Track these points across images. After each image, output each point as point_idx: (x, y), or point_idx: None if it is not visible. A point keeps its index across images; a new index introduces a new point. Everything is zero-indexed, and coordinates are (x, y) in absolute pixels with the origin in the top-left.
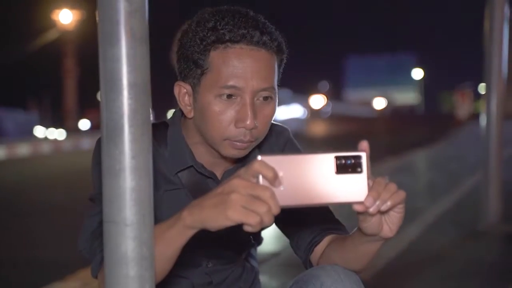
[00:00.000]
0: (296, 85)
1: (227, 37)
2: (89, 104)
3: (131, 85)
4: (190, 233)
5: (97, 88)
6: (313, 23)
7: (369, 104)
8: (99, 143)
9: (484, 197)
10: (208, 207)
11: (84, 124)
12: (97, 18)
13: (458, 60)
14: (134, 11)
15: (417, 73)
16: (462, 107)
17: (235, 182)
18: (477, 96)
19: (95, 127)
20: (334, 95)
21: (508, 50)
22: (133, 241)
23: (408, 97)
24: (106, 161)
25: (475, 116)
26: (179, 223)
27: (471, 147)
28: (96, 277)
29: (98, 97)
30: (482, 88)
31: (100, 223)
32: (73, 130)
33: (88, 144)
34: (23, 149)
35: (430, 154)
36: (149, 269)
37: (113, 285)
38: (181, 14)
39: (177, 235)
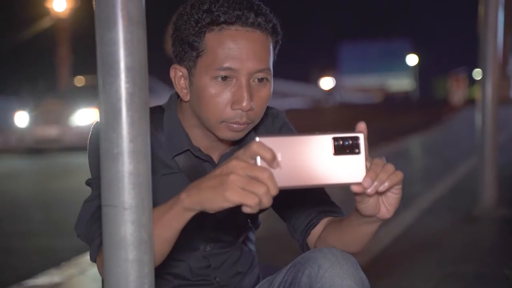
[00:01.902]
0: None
1: (222, 19)
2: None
3: (128, 69)
4: (188, 215)
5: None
6: (305, 8)
7: (367, 91)
8: (95, 128)
9: (480, 182)
10: (206, 189)
11: None
12: (93, 2)
13: (453, 46)
14: None
15: (412, 59)
16: (457, 92)
17: (233, 164)
18: (472, 81)
19: None
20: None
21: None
22: (132, 225)
23: (403, 83)
24: (104, 145)
25: (469, 102)
26: (178, 206)
27: (465, 132)
28: (95, 261)
29: None
30: (476, 73)
31: (98, 208)
32: None
33: None
34: None
35: (425, 140)
36: (148, 253)
37: (112, 269)
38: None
39: (175, 218)
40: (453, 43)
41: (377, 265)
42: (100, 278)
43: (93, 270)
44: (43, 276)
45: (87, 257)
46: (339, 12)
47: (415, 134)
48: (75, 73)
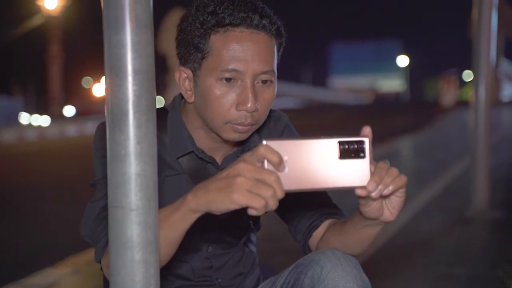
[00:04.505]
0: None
1: (227, 21)
2: (74, 90)
3: (136, 71)
4: (194, 217)
5: (82, 75)
6: (296, 9)
7: (357, 91)
8: (99, 130)
9: (472, 184)
10: (213, 191)
11: (69, 110)
12: (101, 5)
13: (444, 47)
14: None
15: (403, 60)
16: (447, 94)
17: (241, 166)
18: (462, 83)
19: (81, 113)
20: (318, 82)
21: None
22: (138, 226)
23: (394, 84)
24: (111, 147)
25: (460, 103)
26: (184, 207)
27: (456, 133)
28: (99, 261)
29: (83, 83)
30: (466, 75)
31: (103, 208)
32: (57, 117)
33: (73, 130)
34: (8, 136)
35: (416, 141)
36: (154, 253)
37: (118, 269)
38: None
39: (181, 219)
40: (444, 45)
41: (370, 266)
42: (95, 278)
43: (88, 269)
44: (37, 275)
45: (81, 256)
46: (330, 13)
47: (406, 135)
48: (66, 72)
